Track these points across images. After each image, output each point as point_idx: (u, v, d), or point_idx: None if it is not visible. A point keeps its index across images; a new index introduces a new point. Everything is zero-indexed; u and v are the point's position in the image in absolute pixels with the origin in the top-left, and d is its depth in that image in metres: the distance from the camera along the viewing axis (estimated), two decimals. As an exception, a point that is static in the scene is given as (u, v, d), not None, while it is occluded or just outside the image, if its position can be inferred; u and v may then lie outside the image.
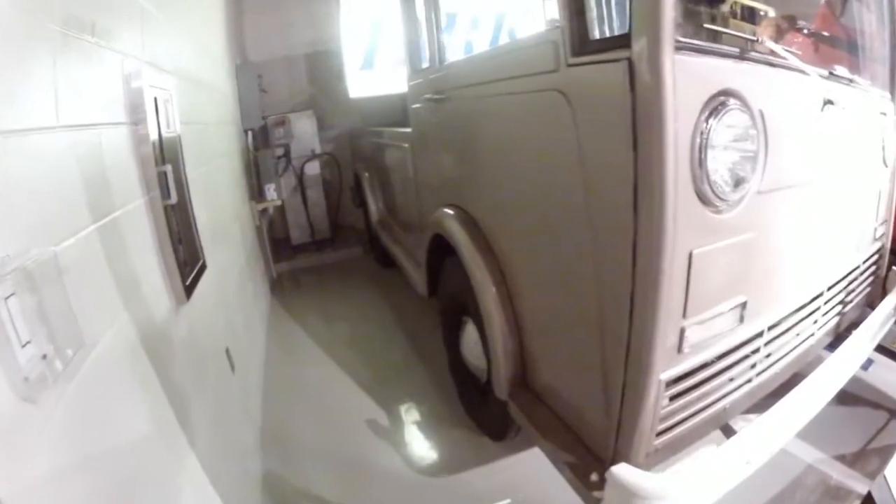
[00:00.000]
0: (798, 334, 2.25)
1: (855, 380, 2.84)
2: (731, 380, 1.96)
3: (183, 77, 2.71)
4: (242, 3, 7.04)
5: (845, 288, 2.55)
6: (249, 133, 5.96)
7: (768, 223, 1.91)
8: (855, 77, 2.49)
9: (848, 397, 2.86)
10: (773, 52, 1.92)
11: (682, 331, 1.69)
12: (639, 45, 1.47)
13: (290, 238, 7.10)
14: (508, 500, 2.47)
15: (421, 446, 3.03)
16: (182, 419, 1.71)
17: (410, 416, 3.27)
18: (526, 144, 2.12)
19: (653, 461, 1.80)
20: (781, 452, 1.97)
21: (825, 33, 3.14)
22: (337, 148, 7.46)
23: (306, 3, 7.26)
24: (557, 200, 1.95)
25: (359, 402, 3.40)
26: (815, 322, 2.35)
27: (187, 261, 2.17)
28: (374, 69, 5.78)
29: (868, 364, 3.08)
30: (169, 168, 2.00)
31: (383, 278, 5.82)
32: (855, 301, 2.69)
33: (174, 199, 2.03)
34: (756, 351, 2.01)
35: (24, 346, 0.92)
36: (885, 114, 2.70)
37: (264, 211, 5.76)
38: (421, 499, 2.62)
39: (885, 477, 2.17)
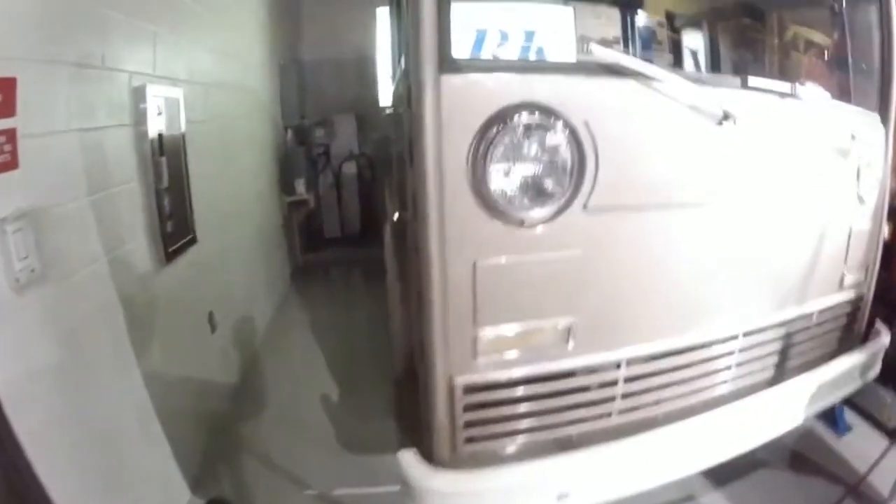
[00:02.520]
0: (699, 377, 2.23)
1: (822, 445, 2.94)
2: (576, 407, 2.05)
3: (199, 83, 3.59)
4: (301, 6, 7.95)
5: (784, 337, 2.46)
6: (289, 130, 6.89)
7: (609, 243, 1.96)
8: (802, 91, 2.31)
9: (803, 462, 2.84)
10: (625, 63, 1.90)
11: (475, 337, 1.87)
12: (411, 67, 1.78)
13: (322, 230, 8.00)
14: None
15: (357, 426, 3.62)
16: (138, 349, 2.51)
17: (362, 399, 3.92)
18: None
19: (469, 464, 1.94)
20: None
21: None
22: (376, 150, 8.29)
23: (363, 9, 8.09)
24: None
25: (326, 382, 4.13)
26: (729, 368, 2.30)
27: (174, 233, 3.02)
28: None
29: (844, 429, 3.10)
30: (164, 160, 2.85)
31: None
32: (810, 354, 2.60)
33: (166, 183, 2.88)
34: (612, 384, 2.07)
35: (21, 259, 1.76)
36: (858, 138, 2.49)
37: (299, 203, 6.72)
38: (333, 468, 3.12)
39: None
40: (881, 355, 2.79)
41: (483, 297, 1.84)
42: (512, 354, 1.93)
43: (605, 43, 4.29)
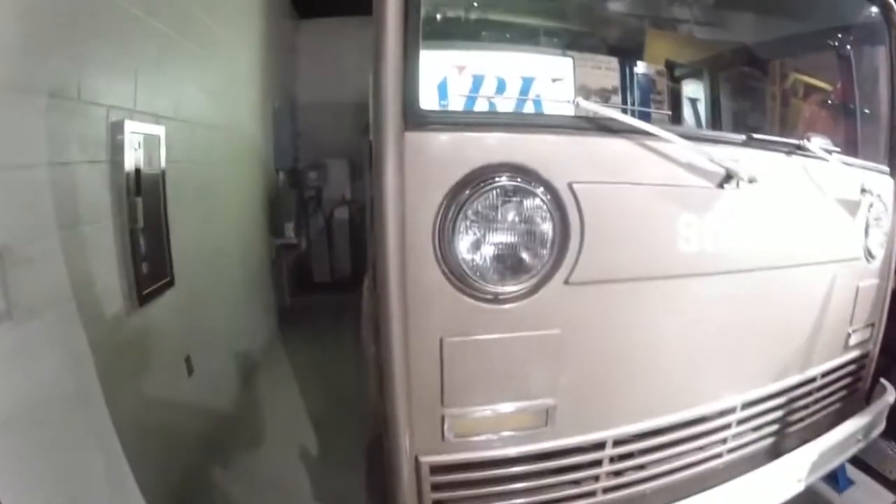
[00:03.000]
0: (688, 452, 2.11)
1: (822, 502, 2.84)
2: (556, 486, 1.92)
3: (184, 120, 3.59)
4: (297, 49, 8.06)
5: (784, 404, 2.35)
6: (281, 173, 6.90)
7: (593, 320, 1.84)
8: (809, 145, 2.21)
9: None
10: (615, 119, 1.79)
11: (443, 417, 1.74)
12: (372, 120, 1.66)
13: (312, 274, 7.95)
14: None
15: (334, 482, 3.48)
16: (108, 391, 2.43)
17: (341, 454, 3.71)
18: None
19: None
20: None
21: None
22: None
23: (361, 53, 8.19)
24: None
25: (306, 432, 3.99)
26: (725, 442, 2.18)
27: (150, 274, 2.97)
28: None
29: (846, 485, 2.99)
30: (139, 200, 2.81)
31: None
32: (812, 418, 2.50)
33: (141, 223, 2.83)
34: (597, 463, 1.95)
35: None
36: (867, 192, 2.42)
37: (288, 246, 6.68)
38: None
39: None
40: (886, 413, 2.68)
41: (451, 376, 1.71)
42: (485, 434, 1.81)
43: (604, 93, 4.35)
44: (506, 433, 1.81)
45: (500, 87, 4.23)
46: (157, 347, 3.06)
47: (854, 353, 2.62)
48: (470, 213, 1.64)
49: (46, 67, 2.13)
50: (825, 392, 2.53)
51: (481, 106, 4.15)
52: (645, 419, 1.98)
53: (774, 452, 2.31)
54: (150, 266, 2.97)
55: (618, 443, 1.95)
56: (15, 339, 1.87)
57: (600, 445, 1.92)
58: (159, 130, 3.11)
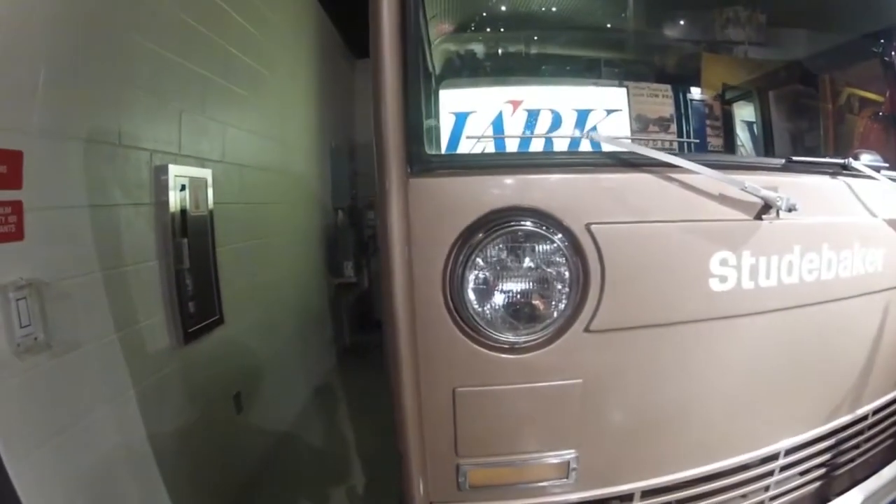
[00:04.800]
0: (727, 502, 2.06)
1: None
2: None
3: (233, 163, 3.92)
4: (354, 92, 8.45)
5: (833, 446, 2.26)
6: (339, 212, 7.23)
7: (617, 369, 1.80)
8: (856, 163, 2.10)
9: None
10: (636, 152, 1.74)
11: (458, 466, 1.75)
12: (376, 166, 1.64)
13: (373, 312, 8.20)
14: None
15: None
16: (149, 423, 2.69)
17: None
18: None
19: None
20: None
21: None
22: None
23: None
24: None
25: (355, 471, 4.17)
26: (768, 489, 2.12)
27: (197, 313, 3.24)
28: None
29: None
30: (185, 241, 3.10)
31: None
32: (864, 457, 2.40)
33: (187, 264, 3.12)
34: None
35: (23, 326, 1.97)
36: None
37: (348, 285, 7.00)
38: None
39: None
40: None
41: (464, 426, 1.71)
42: (503, 485, 1.80)
43: (662, 122, 4.44)
44: (525, 484, 1.80)
45: (556, 121, 4.23)
46: (203, 384, 3.32)
47: None
48: (480, 261, 1.63)
49: (86, 113, 2.44)
50: (880, 428, 2.43)
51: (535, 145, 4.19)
52: (678, 470, 1.92)
53: (823, 496, 2.23)
54: (197, 305, 3.24)
55: (647, 494, 1.89)
56: (53, 369, 2.14)
57: (628, 497, 1.88)
58: (205, 173, 3.42)
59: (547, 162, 1.85)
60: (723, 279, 1.79)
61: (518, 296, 1.67)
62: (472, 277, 1.63)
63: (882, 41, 2.88)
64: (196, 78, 3.43)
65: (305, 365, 5.55)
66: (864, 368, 2.25)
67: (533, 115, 4.10)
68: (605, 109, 4.21)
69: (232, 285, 3.67)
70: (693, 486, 1.94)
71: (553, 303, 1.68)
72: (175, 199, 3.05)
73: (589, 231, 1.66)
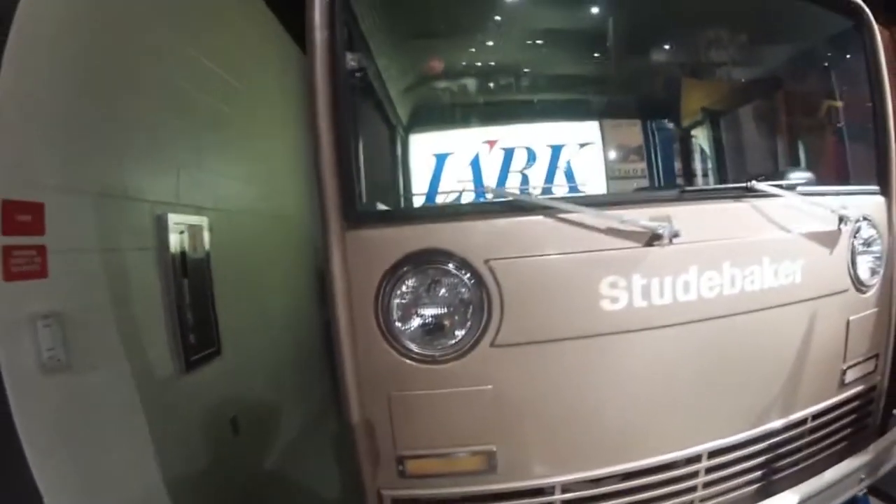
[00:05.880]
0: (653, 500, 2.31)
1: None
2: None
3: (227, 210, 4.39)
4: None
5: (768, 450, 2.48)
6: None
7: (522, 377, 2.17)
8: (759, 185, 2.38)
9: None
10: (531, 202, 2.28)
11: (401, 458, 2.15)
12: (319, 219, 2.09)
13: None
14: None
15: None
16: (156, 439, 3.13)
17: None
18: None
19: None
20: None
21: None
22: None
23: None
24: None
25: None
26: (694, 490, 2.36)
27: (197, 344, 3.70)
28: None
29: None
30: (185, 281, 3.59)
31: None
32: (809, 461, 2.60)
33: (188, 300, 3.60)
34: None
35: (48, 349, 2.44)
36: (846, 219, 2.51)
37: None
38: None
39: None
40: None
41: (400, 424, 2.12)
42: (438, 474, 2.19)
43: (637, 152, 4.98)
44: (456, 474, 2.18)
45: (531, 158, 4.86)
46: (202, 407, 3.76)
47: (855, 389, 2.70)
48: (401, 292, 2.09)
49: (96, 170, 2.92)
50: (822, 433, 2.63)
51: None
52: (598, 467, 2.24)
53: (763, 497, 2.43)
54: (197, 337, 3.71)
55: (570, 488, 2.23)
56: (73, 386, 2.60)
57: (549, 490, 2.22)
58: (201, 220, 3.92)
59: (456, 212, 2.35)
60: (613, 300, 2.16)
61: (432, 318, 2.12)
62: (396, 304, 2.09)
63: (821, 52, 3.26)
64: (192, 134, 3.96)
65: (299, 390, 5.89)
66: (792, 375, 2.47)
67: (508, 153, 4.88)
68: (578, 143, 4.87)
69: (229, 320, 4.13)
70: (616, 482, 2.27)
71: (462, 324, 2.12)
72: (175, 243, 3.54)
73: (488, 265, 2.09)
